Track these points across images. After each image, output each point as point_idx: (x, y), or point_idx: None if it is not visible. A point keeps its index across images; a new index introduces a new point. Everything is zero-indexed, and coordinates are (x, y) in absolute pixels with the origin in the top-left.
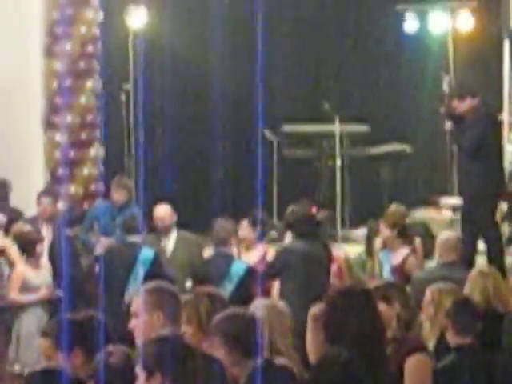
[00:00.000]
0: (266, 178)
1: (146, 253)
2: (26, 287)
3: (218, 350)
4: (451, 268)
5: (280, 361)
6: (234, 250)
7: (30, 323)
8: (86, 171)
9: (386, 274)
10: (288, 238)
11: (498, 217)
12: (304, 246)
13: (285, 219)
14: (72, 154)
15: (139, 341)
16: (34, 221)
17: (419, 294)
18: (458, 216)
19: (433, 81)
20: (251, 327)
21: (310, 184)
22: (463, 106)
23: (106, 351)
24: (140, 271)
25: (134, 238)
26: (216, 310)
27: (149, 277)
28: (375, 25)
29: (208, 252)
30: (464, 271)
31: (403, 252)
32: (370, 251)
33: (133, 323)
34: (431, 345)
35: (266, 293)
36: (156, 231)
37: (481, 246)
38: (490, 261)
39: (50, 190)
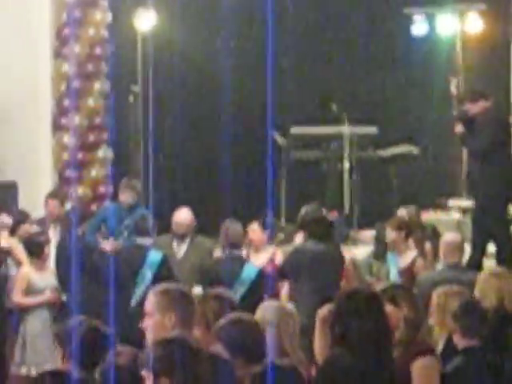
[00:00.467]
0: (274, 180)
1: (154, 255)
2: (30, 289)
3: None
4: (456, 270)
5: (287, 362)
6: (244, 252)
7: (35, 325)
8: (94, 173)
9: (393, 276)
10: (298, 239)
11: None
12: (317, 247)
13: (298, 220)
14: (80, 155)
15: (150, 341)
16: (41, 223)
17: (425, 296)
18: (467, 218)
19: (441, 83)
20: (254, 333)
21: (318, 186)
22: (476, 108)
23: (114, 352)
24: (147, 273)
25: (145, 240)
26: (224, 312)
27: (157, 279)
28: (384, 27)
29: (217, 254)
30: (470, 273)
31: (411, 255)
32: (378, 254)
33: (145, 323)
34: (440, 348)
35: (275, 295)
36: (168, 233)
37: (490, 248)
38: (500, 262)
39: (58, 192)
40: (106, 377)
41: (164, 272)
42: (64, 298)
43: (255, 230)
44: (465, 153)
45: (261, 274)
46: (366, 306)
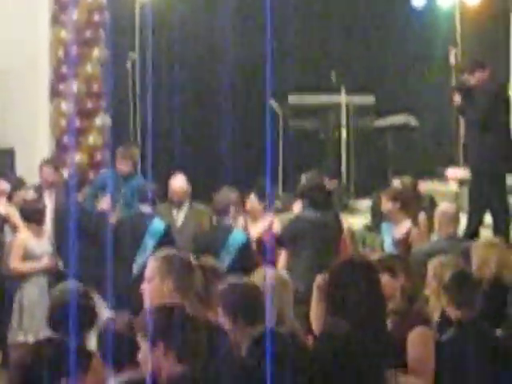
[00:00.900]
0: (271, 149)
1: (157, 224)
2: (27, 255)
3: (221, 319)
4: (452, 240)
5: (284, 329)
6: (241, 222)
7: (33, 292)
8: (91, 140)
9: (388, 246)
10: (296, 207)
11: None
12: (315, 215)
13: (298, 188)
14: (78, 122)
15: (147, 305)
16: (37, 189)
17: (420, 267)
18: (464, 188)
19: (440, 54)
20: (254, 296)
21: (315, 155)
22: (473, 78)
23: (109, 318)
24: (149, 242)
25: (146, 208)
26: (209, 282)
27: (160, 248)
28: None
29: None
30: (464, 243)
31: (406, 225)
32: (373, 224)
33: (144, 287)
34: (436, 318)
35: (271, 263)
36: (167, 201)
37: (486, 219)
38: (496, 232)
39: (54, 159)
40: (103, 342)
41: (166, 242)
42: (60, 264)
43: (252, 199)
44: (462, 123)
45: (248, 242)
46: (360, 276)
